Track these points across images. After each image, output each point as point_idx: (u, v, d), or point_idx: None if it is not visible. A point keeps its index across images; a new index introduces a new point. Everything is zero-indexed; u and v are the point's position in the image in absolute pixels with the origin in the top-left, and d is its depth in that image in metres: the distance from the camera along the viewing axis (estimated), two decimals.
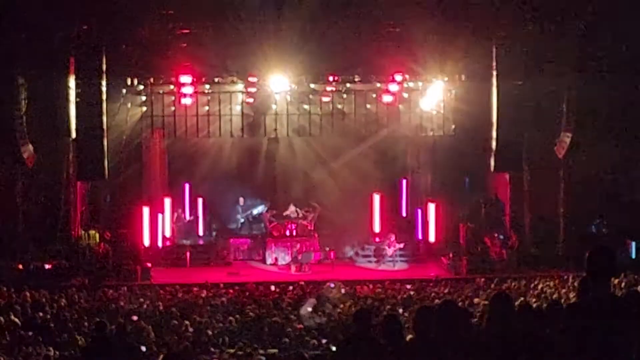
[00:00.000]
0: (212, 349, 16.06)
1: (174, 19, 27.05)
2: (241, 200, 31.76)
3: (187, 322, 17.89)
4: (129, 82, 28.51)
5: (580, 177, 27.51)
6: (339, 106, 30.01)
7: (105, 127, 26.79)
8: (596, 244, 6.52)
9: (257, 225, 31.62)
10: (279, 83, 28.70)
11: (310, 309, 19.82)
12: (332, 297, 22.01)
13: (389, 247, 29.03)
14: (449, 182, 30.86)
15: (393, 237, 29.14)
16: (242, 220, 31.84)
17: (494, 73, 27.03)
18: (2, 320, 17.33)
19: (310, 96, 29.65)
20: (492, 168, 28.15)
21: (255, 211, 31.92)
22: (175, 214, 30.48)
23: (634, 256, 26.38)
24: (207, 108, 29.27)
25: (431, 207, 29.75)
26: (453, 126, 29.50)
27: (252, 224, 31.78)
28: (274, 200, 31.41)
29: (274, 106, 29.72)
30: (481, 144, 28.64)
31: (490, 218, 29.69)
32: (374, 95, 29.78)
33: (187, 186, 30.74)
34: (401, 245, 29.10)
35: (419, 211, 30.25)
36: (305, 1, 25.51)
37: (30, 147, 26.36)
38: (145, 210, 29.02)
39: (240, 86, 29.27)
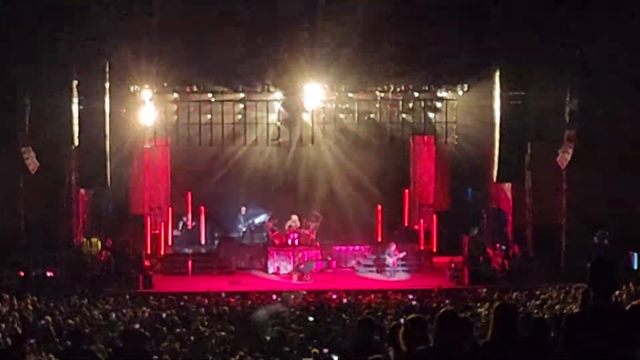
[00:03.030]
0: (213, 358, 16.02)
1: (179, 28, 27.17)
2: (243, 209, 31.74)
3: (187, 331, 17.88)
4: (132, 90, 28.52)
5: (583, 188, 27.47)
6: (341, 115, 30.04)
7: (107, 135, 26.79)
8: (598, 256, 6.52)
9: (259, 235, 31.59)
10: (280, 92, 28.83)
11: (265, 316, 19.97)
12: (292, 304, 22.05)
13: (390, 257, 28.96)
14: (451, 192, 30.86)
15: (394, 247, 29.07)
16: (244, 229, 31.80)
17: (497, 82, 27.04)
18: (3, 327, 17.31)
19: (307, 105, 29.57)
20: (494, 178, 28.12)
21: (257, 220, 31.90)
22: (181, 222, 30.49)
23: (635, 267, 26.32)
24: (209, 116, 29.28)
25: (434, 217, 29.77)
26: (456, 136, 29.50)
27: (253, 233, 31.74)
28: (276, 209, 31.34)
29: (274, 115, 29.72)
30: (483, 154, 28.65)
31: (492, 228, 29.67)
32: (377, 105, 29.80)
33: (189, 194, 30.71)
34: (401, 255, 29.00)
35: (422, 221, 30.21)
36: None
37: (33, 154, 26.40)
38: (148, 219, 29.07)
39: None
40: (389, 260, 28.92)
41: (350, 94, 29.49)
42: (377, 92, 29.36)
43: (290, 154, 31.08)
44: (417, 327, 6.99)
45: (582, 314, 6.35)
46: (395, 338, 7.42)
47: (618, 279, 6.35)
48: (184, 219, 30.78)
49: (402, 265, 29.30)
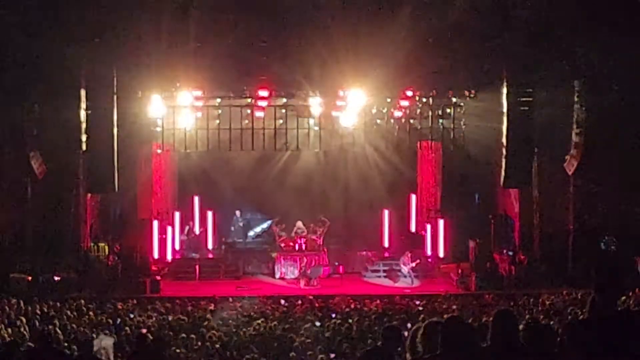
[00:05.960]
0: None
1: (186, 33, 27.21)
2: (237, 212, 31.71)
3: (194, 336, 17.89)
4: (140, 95, 28.52)
5: (589, 194, 27.46)
6: None
7: (115, 139, 26.83)
8: (602, 261, 6.57)
9: (266, 239, 31.61)
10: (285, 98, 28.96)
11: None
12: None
13: (404, 265, 28.83)
14: (458, 198, 30.85)
15: (409, 255, 28.94)
16: (233, 231, 31.75)
17: (505, 89, 27.03)
18: (10, 332, 17.36)
19: (313, 111, 29.52)
20: (501, 184, 28.12)
21: (264, 225, 31.89)
22: (187, 227, 30.52)
23: None
24: (217, 122, 29.24)
25: (440, 223, 29.76)
26: (463, 142, 29.47)
27: (246, 237, 31.73)
28: (282, 214, 31.30)
29: (280, 121, 29.73)
30: (491, 160, 28.63)
31: (499, 234, 29.65)
32: (384, 110, 29.77)
33: (196, 199, 30.75)
34: (415, 264, 28.89)
35: (428, 226, 30.21)
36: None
37: (41, 159, 26.45)
38: (155, 223, 29.11)
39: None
40: (404, 269, 28.82)
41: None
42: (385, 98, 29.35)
43: (297, 160, 31.07)
44: (436, 331, 6.95)
45: (587, 320, 6.34)
46: (413, 342, 7.41)
47: (623, 284, 6.35)
48: (190, 224, 30.81)
49: (412, 270, 29.25)
